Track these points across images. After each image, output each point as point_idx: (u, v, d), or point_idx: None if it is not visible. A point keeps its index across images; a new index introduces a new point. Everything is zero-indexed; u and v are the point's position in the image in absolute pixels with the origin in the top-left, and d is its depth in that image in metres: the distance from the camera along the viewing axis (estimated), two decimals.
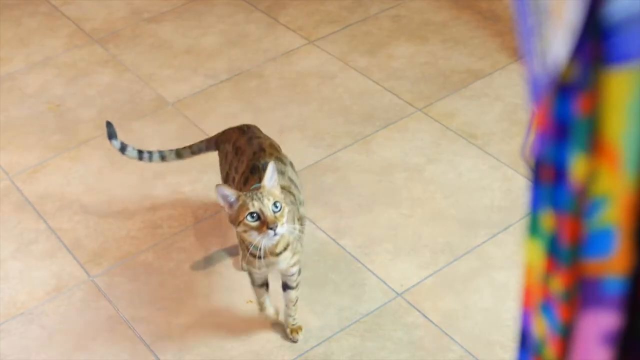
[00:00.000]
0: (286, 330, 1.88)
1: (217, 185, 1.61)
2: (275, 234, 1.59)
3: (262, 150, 1.82)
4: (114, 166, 2.36)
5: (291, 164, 1.88)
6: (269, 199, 1.59)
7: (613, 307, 0.56)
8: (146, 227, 2.17)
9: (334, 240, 2.10)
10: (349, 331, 1.88)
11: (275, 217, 1.58)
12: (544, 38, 0.60)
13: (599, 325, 0.57)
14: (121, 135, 2.48)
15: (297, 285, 1.83)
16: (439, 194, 2.22)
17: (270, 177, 1.62)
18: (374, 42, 2.80)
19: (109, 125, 2.05)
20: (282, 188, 1.71)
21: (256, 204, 1.58)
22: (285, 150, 2.38)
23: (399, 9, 2.96)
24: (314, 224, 2.14)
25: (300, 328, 1.87)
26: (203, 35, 2.88)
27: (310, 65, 2.71)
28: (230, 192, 1.61)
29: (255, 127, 1.97)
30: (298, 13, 2.97)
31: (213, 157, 2.38)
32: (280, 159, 1.83)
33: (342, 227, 2.13)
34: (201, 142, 2.04)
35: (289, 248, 1.72)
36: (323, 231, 2.12)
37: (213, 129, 2.47)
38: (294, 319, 1.87)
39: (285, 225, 1.60)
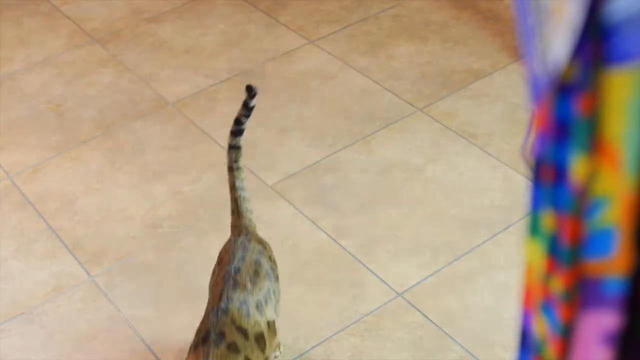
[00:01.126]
0: None
1: None
2: None
3: (216, 314, 1.51)
4: (114, 166, 2.36)
5: (244, 336, 1.51)
6: None
7: (613, 307, 0.56)
8: (146, 227, 2.17)
9: (334, 240, 2.10)
10: (349, 331, 1.88)
11: None
12: (545, 38, 0.60)
13: (599, 325, 0.57)
14: (121, 135, 2.48)
15: None
16: (439, 194, 2.22)
17: None
18: (374, 42, 2.80)
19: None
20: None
21: None
22: (285, 150, 2.39)
23: (399, 8, 2.96)
24: (314, 223, 2.14)
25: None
26: (203, 35, 2.88)
27: (310, 65, 2.71)
28: None
29: (241, 255, 1.59)
30: (298, 13, 2.97)
31: (213, 156, 2.38)
32: (222, 333, 1.50)
33: (342, 227, 2.13)
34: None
35: None
36: (323, 231, 2.12)
37: (213, 129, 2.48)
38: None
39: None
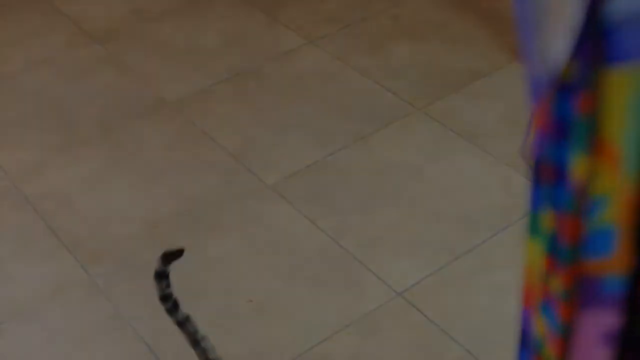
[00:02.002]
0: None
1: None
2: None
3: None
4: (114, 166, 2.36)
5: None
6: None
7: (613, 306, 0.56)
8: (146, 227, 2.17)
9: (334, 240, 2.10)
10: (349, 331, 1.88)
11: None
12: (545, 38, 0.60)
13: (599, 324, 0.58)
14: (121, 135, 2.48)
15: None
16: (439, 193, 2.22)
17: None
18: (374, 41, 2.80)
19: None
20: None
21: None
22: (285, 150, 2.39)
23: (399, 8, 2.96)
24: (314, 223, 2.14)
25: None
26: (203, 34, 2.88)
27: (310, 65, 2.72)
28: None
29: None
30: (298, 13, 2.97)
31: (213, 156, 2.38)
32: None
33: (342, 227, 2.13)
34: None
35: None
36: (323, 231, 2.12)
37: (213, 129, 2.48)
38: None
39: None
